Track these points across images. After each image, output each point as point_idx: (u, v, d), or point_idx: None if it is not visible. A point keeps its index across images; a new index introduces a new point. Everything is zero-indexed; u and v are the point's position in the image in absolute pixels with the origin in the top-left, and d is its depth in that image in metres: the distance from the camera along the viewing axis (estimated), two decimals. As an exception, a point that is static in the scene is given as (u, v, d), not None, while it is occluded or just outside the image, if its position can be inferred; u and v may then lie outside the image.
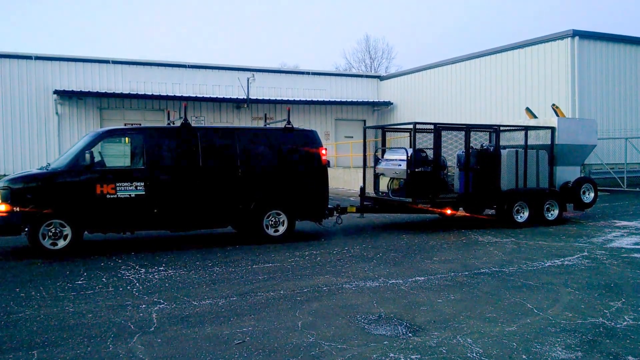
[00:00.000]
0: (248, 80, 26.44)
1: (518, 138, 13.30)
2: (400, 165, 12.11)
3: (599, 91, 21.04)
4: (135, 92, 25.15)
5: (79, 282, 7.28)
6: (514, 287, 6.86)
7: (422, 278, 7.41)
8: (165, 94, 25.66)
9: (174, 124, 11.39)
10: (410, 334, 5.14)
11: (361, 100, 30.22)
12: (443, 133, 12.46)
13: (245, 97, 26.40)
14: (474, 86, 24.64)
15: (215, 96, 26.65)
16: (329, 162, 11.21)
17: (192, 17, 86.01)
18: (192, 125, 10.26)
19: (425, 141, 13.29)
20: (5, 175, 12.41)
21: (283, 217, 10.46)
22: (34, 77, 23.80)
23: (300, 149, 10.77)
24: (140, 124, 23.57)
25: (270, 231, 10.38)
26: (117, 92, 24.84)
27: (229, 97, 26.74)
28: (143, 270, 7.98)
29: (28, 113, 23.70)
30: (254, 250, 9.51)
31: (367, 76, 33.09)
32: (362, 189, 12.69)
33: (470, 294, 6.56)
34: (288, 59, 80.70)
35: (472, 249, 9.58)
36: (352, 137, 29.30)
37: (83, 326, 5.41)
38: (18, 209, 8.82)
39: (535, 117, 15.02)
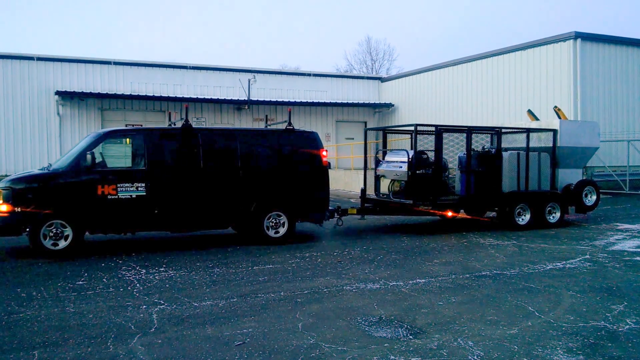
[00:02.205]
0: (249, 82, 26.45)
1: (520, 140, 13.27)
2: (401, 167, 12.09)
3: (601, 93, 21.01)
4: (136, 93, 25.14)
5: (80, 282, 7.28)
6: (515, 290, 6.85)
7: (423, 280, 7.39)
8: (166, 95, 25.67)
9: (175, 125, 11.40)
10: (410, 337, 5.13)
11: (362, 102, 30.20)
12: (444, 135, 12.44)
13: (246, 99, 26.40)
14: (476, 88, 24.62)
15: (216, 97, 26.66)
16: (329, 163, 11.20)
17: (193, 19, 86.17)
18: (193, 126, 10.27)
19: (427, 143, 13.28)
20: (6, 176, 12.42)
21: (283, 219, 10.45)
22: (36, 78, 23.81)
23: (301, 150, 10.76)
24: (141, 125, 23.59)
25: (271, 232, 10.37)
26: (118, 93, 24.84)
27: (230, 98, 26.75)
28: (144, 271, 7.98)
29: (30, 114, 23.70)
30: (255, 252, 9.50)
31: (368, 78, 33.10)
32: (363, 191, 12.68)
33: (471, 297, 6.54)
34: (289, 61, 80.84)
35: (473, 252, 9.57)
36: (353, 138, 29.29)
37: (84, 326, 5.41)
38: (19, 209, 8.83)
39: (537, 119, 15.00)
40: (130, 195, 9.42)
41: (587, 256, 9.08)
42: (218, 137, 10.48)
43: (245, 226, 10.58)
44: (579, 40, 20.33)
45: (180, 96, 25.81)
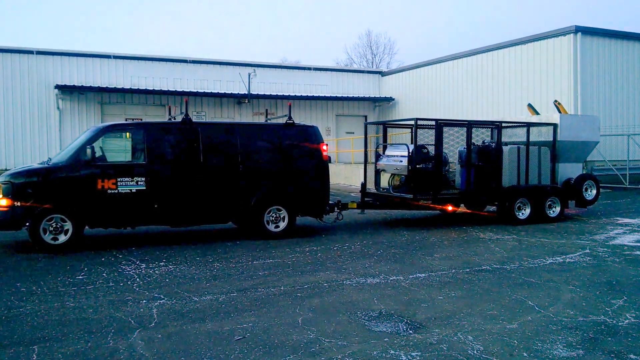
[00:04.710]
0: (249, 76, 26.40)
1: (520, 134, 13.26)
2: (402, 161, 12.08)
3: (601, 87, 20.97)
4: (136, 87, 25.10)
5: (80, 277, 7.28)
6: (515, 285, 6.85)
7: (423, 275, 7.40)
8: (166, 89, 25.61)
9: (175, 119, 11.38)
10: (410, 331, 5.13)
11: (362, 96, 30.15)
12: (444, 129, 12.42)
13: (247, 93, 26.36)
14: (476, 82, 24.56)
15: (216, 91, 26.62)
16: (329, 157, 11.19)
17: (193, 13, 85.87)
18: (193, 120, 10.25)
19: (427, 137, 13.25)
20: (6, 170, 12.41)
21: (284, 213, 10.45)
22: (36, 72, 23.75)
23: (301, 144, 10.74)
24: (141, 119, 23.53)
25: (271, 227, 10.37)
26: (118, 87, 24.79)
27: (230, 92, 26.69)
28: (144, 265, 7.98)
29: (29, 108, 23.66)
30: (255, 246, 9.50)
31: (368, 72, 33.01)
32: (363, 185, 12.67)
33: (471, 291, 6.54)
34: (289, 54, 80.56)
35: (473, 246, 9.57)
36: (353, 132, 29.26)
37: (83, 321, 5.41)
38: (19, 204, 8.82)
39: (537, 113, 14.97)
40: (130, 190, 9.41)
41: (587, 250, 9.08)
42: (218, 131, 10.46)
43: (245, 220, 10.58)
44: (579, 34, 20.27)
45: (180, 90, 25.76)
